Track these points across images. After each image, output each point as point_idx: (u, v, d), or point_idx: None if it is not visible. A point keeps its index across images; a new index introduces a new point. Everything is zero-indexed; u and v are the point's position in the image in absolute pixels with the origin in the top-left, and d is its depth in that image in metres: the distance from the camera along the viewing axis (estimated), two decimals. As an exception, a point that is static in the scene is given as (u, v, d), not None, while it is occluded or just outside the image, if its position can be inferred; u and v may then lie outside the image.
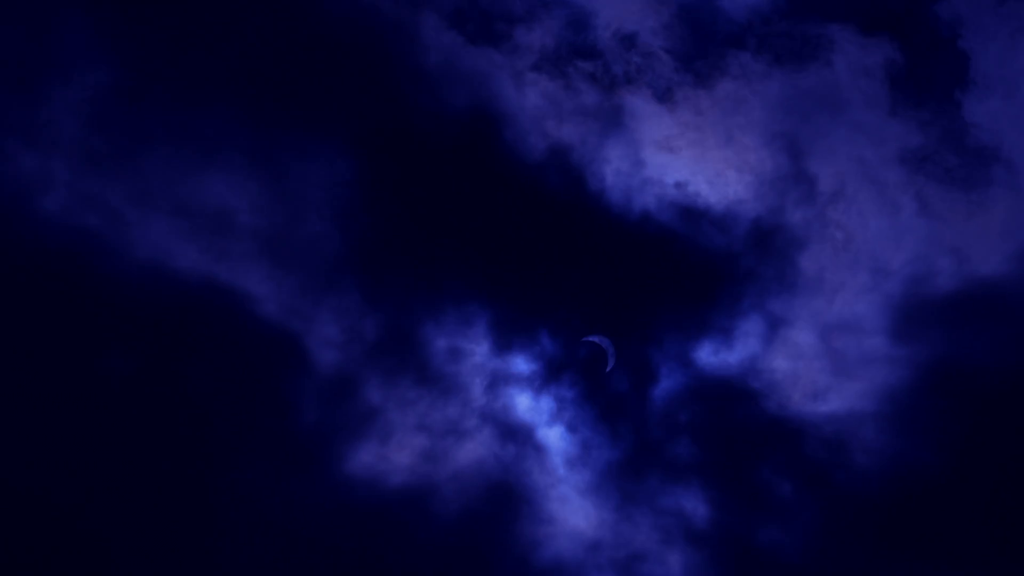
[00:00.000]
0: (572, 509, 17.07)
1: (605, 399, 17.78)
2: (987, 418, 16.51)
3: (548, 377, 17.67)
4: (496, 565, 15.81)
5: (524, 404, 17.51)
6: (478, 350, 17.13)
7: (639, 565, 16.76)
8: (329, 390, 16.09)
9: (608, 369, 17.80)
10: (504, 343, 17.29)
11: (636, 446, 17.56)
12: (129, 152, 15.73)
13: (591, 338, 17.75)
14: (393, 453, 16.15)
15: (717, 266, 17.75)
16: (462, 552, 15.65)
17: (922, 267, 17.30)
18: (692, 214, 17.65)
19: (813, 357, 17.83)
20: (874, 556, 16.89)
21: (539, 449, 17.40)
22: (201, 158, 15.88)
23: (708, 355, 17.91)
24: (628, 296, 17.74)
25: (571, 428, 17.65)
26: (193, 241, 15.76)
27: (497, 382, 17.32)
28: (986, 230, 16.95)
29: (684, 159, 17.92)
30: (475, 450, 16.72)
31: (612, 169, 17.53)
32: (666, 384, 17.89)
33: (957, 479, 16.42)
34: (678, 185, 17.67)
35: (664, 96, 17.97)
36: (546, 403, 17.60)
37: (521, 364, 17.47)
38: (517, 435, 17.25)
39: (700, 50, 18.06)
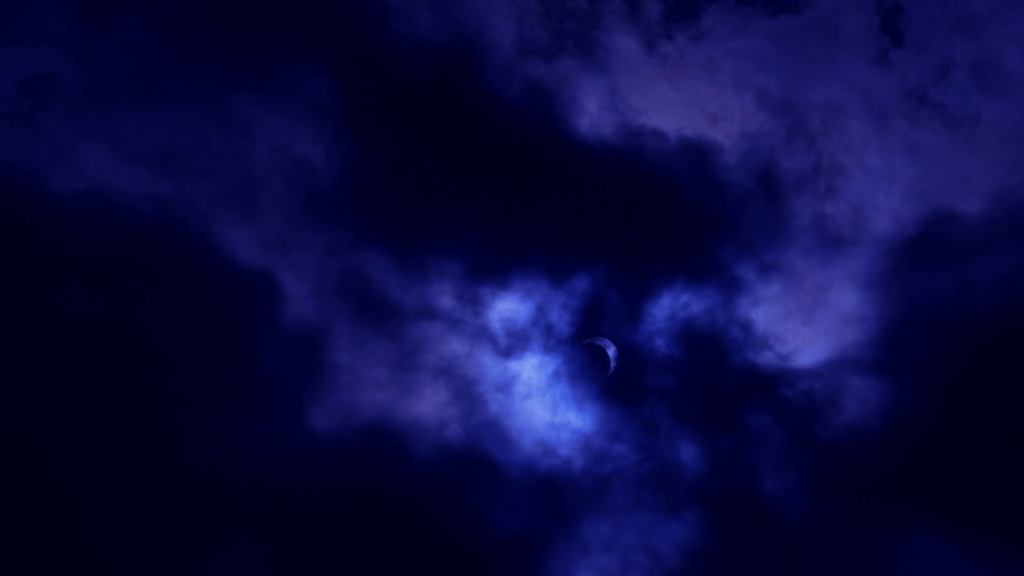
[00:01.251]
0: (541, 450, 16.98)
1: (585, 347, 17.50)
2: (977, 361, 16.32)
3: (528, 324, 17.27)
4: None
5: (500, 347, 17.11)
6: (453, 293, 16.65)
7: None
8: (296, 334, 15.55)
9: (610, 372, 17.56)
10: (480, 286, 16.81)
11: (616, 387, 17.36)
12: (88, 86, 15.02)
13: (593, 340, 17.45)
14: (360, 396, 15.73)
15: (701, 211, 17.32)
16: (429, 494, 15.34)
17: (909, 211, 17.01)
18: (675, 157, 17.19)
19: (798, 304, 17.61)
20: (857, 504, 16.84)
21: (515, 395, 17.14)
22: (163, 89, 15.16)
23: (685, 301, 17.57)
24: (609, 241, 17.31)
25: (546, 373, 17.40)
26: (162, 176, 15.11)
27: (472, 328, 16.87)
28: (973, 169, 16.74)
29: (668, 102, 17.49)
30: (450, 393, 16.42)
31: (592, 109, 16.99)
32: (647, 328, 17.56)
33: (946, 422, 16.22)
34: (660, 127, 17.21)
35: (648, 37, 17.51)
36: (525, 348, 17.24)
37: (499, 308, 17.00)
38: (492, 381, 16.95)
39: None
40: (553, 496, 16.60)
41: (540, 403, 17.28)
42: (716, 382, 17.54)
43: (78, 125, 14.90)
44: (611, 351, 17.37)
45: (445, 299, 16.65)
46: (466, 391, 16.64)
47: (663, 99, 17.54)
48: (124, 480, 13.62)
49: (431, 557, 14.91)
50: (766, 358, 17.68)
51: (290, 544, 14.43)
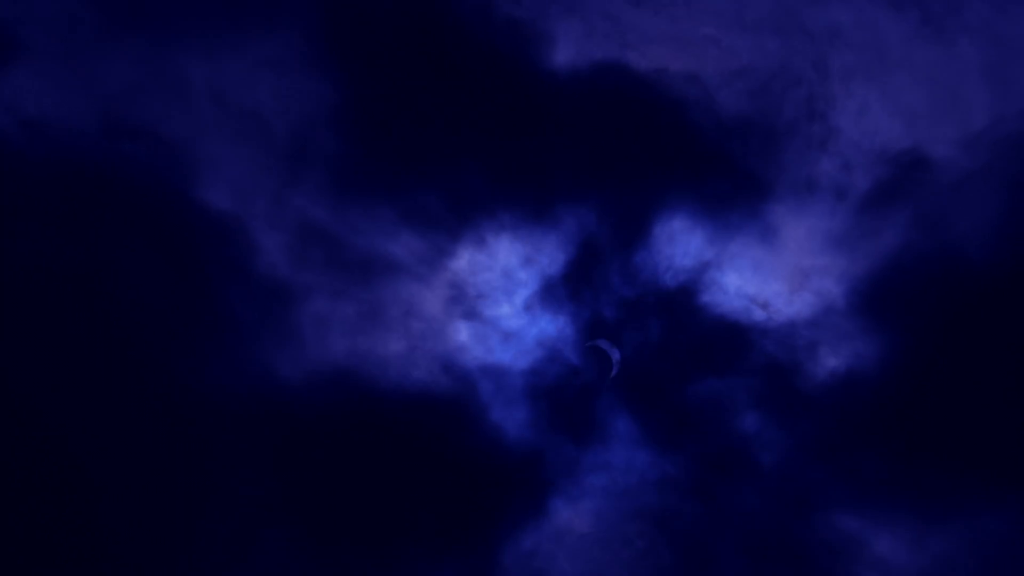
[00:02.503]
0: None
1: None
2: (953, 314, 16.31)
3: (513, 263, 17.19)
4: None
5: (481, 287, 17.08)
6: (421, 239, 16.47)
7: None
8: (269, 280, 15.38)
9: (613, 374, 17.47)
10: (461, 227, 16.60)
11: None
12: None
13: (596, 343, 17.35)
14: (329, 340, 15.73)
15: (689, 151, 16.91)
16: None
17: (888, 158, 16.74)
18: (658, 95, 16.62)
19: (779, 257, 17.50)
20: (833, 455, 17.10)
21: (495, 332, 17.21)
22: (128, 22, 14.60)
23: (666, 249, 17.39)
24: (585, 189, 16.98)
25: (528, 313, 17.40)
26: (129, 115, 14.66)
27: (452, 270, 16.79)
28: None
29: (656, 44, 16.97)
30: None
31: (573, 47, 16.44)
32: (625, 275, 17.46)
33: (923, 372, 16.35)
34: (638, 64, 16.65)
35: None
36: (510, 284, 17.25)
37: (481, 246, 16.87)
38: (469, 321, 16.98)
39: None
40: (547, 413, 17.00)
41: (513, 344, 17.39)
42: (695, 333, 17.62)
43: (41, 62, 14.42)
44: (615, 355, 17.37)
45: (414, 244, 16.50)
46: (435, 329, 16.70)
47: (645, 33, 16.96)
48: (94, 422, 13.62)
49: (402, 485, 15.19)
50: (746, 309, 17.75)
51: (262, 481, 14.59)
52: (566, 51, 16.43)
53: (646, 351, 17.64)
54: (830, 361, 17.31)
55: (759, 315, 17.71)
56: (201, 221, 14.97)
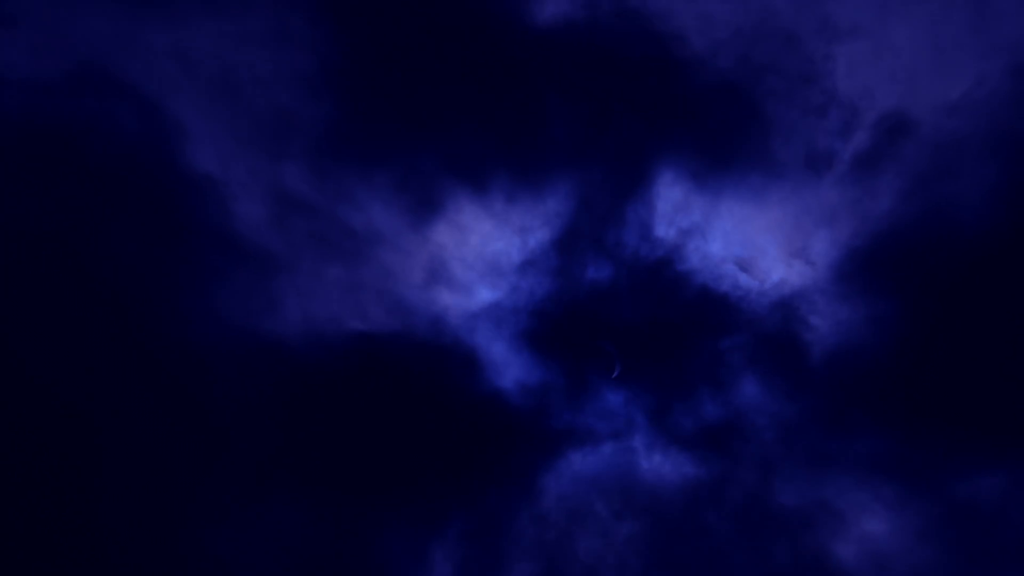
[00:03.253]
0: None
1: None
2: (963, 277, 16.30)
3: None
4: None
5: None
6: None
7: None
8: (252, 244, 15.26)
9: (615, 375, 17.53)
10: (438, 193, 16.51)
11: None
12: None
13: (600, 343, 17.42)
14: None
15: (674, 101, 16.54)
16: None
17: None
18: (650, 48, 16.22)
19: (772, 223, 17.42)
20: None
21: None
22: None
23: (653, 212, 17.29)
24: (582, 146, 16.74)
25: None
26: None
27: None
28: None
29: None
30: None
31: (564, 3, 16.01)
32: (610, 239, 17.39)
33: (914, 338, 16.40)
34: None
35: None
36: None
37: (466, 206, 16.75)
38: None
39: None
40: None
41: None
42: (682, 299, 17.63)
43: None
44: (615, 354, 17.46)
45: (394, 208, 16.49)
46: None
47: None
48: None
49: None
50: (734, 275, 17.76)
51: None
52: (556, 6, 16.08)
53: (631, 313, 17.73)
54: (819, 325, 17.37)
55: (748, 280, 17.76)
56: (180, 181, 14.81)
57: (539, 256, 17.37)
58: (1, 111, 13.52)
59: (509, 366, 17.19)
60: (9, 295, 13.48)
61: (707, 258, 17.65)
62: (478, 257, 17.14)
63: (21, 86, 13.72)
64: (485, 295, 17.24)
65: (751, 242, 17.59)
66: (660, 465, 17.53)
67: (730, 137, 16.72)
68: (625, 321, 17.69)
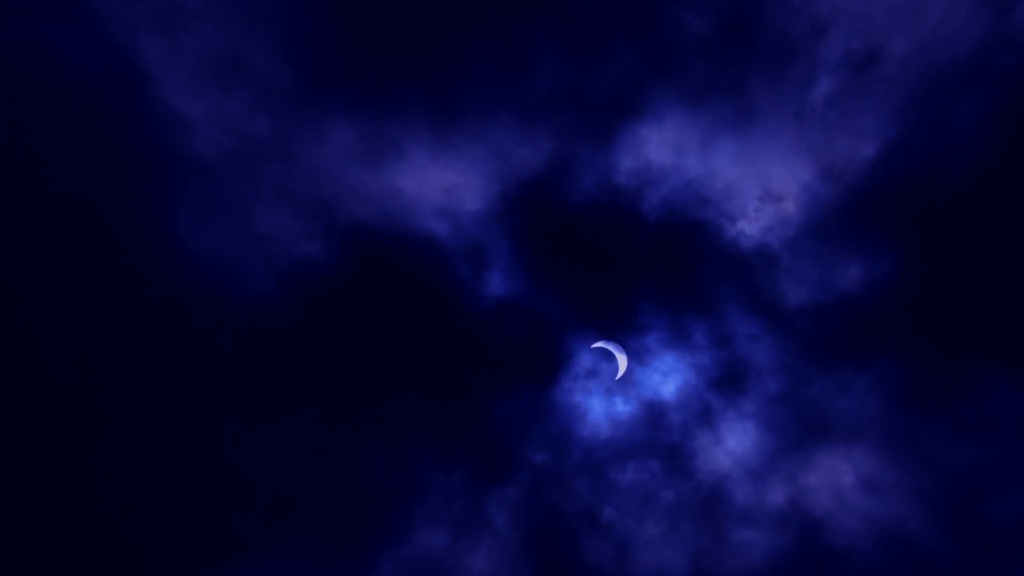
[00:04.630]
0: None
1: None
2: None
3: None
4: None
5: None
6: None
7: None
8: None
9: (618, 376, 17.50)
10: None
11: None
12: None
13: (601, 344, 17.25)
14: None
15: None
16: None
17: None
18: None
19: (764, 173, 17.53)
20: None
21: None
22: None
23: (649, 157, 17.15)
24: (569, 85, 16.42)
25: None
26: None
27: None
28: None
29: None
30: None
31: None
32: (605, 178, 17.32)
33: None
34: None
35: None
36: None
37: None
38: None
39: None
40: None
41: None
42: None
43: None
44: (621, 358, 17.41)
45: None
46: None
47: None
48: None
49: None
50: (719, 219, 17.90)
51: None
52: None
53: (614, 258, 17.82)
54: (806, 272, 17.82)
55: (734, 226, 17.94)
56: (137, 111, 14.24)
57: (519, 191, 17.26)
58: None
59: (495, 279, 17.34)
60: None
61: (692, 201, 17.76)
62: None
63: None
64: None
65: (739, 185, 17.65)
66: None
67: (718, 76, 16.53)
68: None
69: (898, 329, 17.16)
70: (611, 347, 17.42)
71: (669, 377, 18.09)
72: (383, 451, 16.11)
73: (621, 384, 17.84)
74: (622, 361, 17.53)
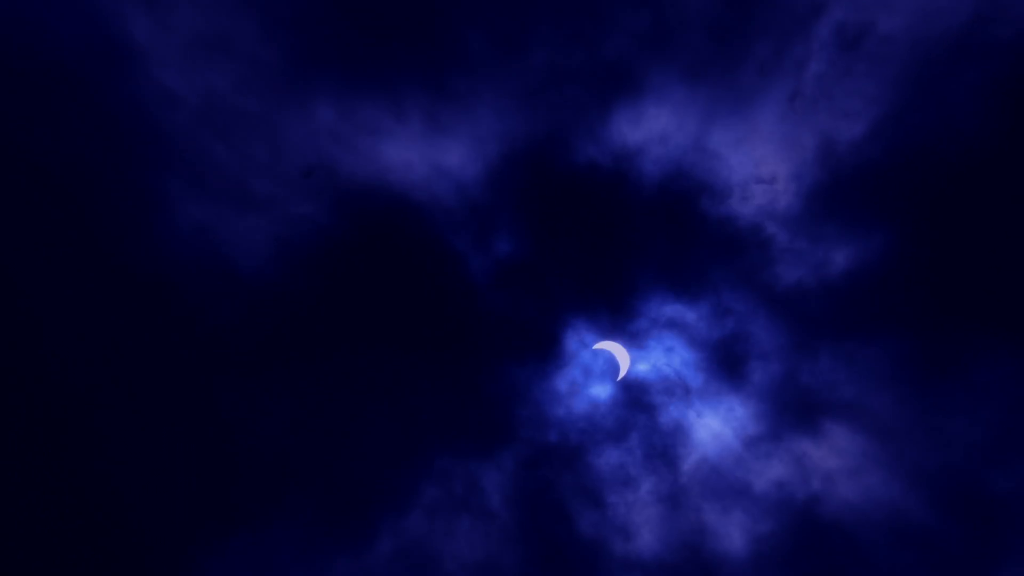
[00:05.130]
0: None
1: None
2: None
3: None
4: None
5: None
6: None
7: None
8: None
9: (620, 377, 17.50)
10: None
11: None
12: None
13: (603, 344, 17.28)
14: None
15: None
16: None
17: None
18: None
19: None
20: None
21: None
22: None
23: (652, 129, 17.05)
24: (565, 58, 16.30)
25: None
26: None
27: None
28: None
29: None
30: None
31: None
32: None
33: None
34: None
35: None
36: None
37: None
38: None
39: None
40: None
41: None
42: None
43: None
44: (623, 358, 17.40)
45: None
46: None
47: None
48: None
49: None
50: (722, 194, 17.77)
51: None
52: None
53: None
54: (806, 250, 17.70)
55: (730, 204, 17.79)
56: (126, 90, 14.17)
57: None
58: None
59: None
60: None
61: (694, 174, 17.70)
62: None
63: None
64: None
65: (741, 161, 17.56)
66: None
67: (718, 51, 16.35)
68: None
69: (896, 305, 17.16)
70: (612, 346, 17.49)
71: (664, 356, 18.15)
72: (382, 419, 16.35)
73: (619, 375, 17.92)
74: (623, 362, 17.57)
